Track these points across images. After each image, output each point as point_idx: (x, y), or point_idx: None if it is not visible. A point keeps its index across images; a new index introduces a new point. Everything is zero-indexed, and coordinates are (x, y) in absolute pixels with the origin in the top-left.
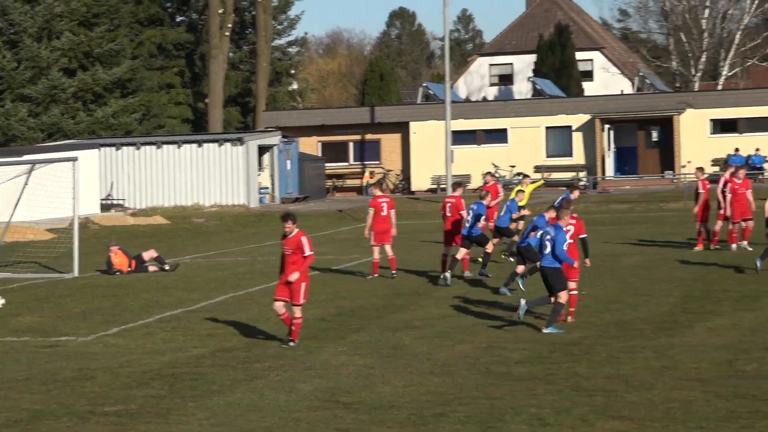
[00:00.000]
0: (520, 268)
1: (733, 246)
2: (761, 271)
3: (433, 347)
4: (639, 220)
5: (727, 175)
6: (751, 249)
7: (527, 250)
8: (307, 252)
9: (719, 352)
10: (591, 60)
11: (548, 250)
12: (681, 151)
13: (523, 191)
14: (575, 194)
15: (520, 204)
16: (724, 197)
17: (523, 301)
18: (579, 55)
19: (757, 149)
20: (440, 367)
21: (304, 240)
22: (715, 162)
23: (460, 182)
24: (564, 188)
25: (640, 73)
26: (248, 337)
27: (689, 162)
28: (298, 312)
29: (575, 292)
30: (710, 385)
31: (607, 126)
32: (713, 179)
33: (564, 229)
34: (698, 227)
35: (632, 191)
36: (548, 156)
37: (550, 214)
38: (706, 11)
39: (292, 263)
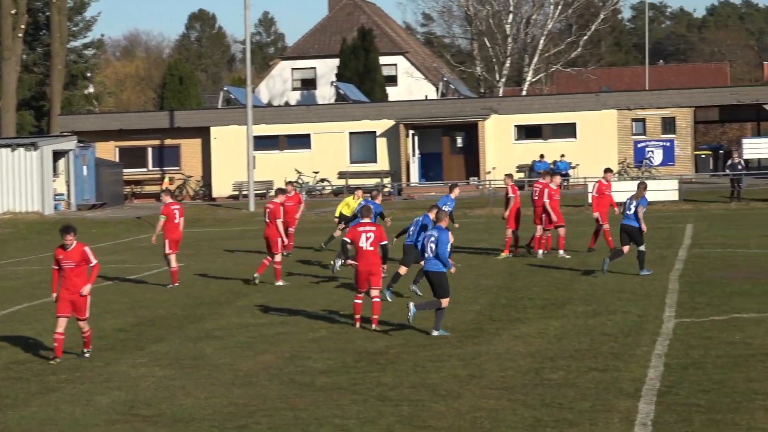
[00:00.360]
0: (403, 269)
1: (539, 253)
2: (606, 273)
3: (234, 357)
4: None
5: (545, 181)
6: (568, 257)
7: (410, 249)
8: (94, 261)
9: (525, 360)
10: (395, 65)
11: (433, 252)
12: (486, 157)
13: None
14: (455, 193)
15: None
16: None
17: (412, 305)
18: (383, 60)
19: (562, 155)
20: (242, 378)
21: (88, 250)
22: (520, 168)
23: (284, 189)
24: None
25: (445, 79)
26: (43, 348)
27: (494, 168)
28: (86, 326)
29: (378, 299)
30: (517, 394)
31: (411, 132)
32: (521, 185)
33: (445, 229)
34: (509, 233)
35: (437, 198)
36: (352, 162)
37: (433, 214)
38: (510, 16)
39: (76, 276)
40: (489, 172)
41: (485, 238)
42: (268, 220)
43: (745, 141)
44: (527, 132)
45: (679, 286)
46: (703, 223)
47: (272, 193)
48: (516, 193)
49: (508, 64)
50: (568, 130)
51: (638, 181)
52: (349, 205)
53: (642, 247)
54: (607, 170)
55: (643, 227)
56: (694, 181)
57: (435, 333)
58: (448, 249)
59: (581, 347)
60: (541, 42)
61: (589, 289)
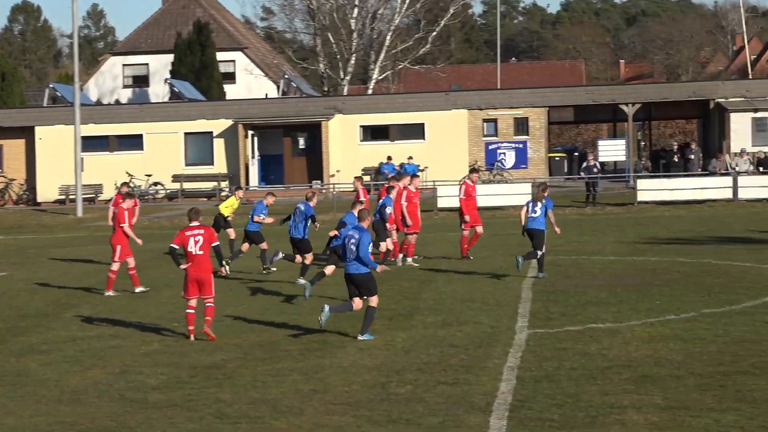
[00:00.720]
0: (329, 269)
1: (400, 258)
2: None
3: (61, 373)
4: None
5: (403, 184)
6: (416, 265)
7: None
8: None
9: (371, 374)
10: (233, 61)
11: (353, 255)
12: (330, 160)
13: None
14: (269, 200)
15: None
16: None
17: (326, 307)
18: (220, 56)
19: (410, 157)
20: (69, 395)
21: None
22: (366, 171)
23: (131, 193)
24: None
25: (286, 76)
26: None
27: (338, 171)
28: None
29: (211, 304)
30: (362, 409)
31: (251, 132)
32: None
33: (366, 230)
34: None
35: (278, 202)
36: (188, 164)
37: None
38: (355, 10)
39: None
40: (333, 175)
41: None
42: (113, 225)
43: (600, 143)
44: (373, 133)
45: (533, 295)
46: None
47: (103, 197)
48: (367, 197)
49: (353, 61)
50: (416, 131)
51: (538, 182)
52: (232, 206)
53: (540, 252)
54: (473, 170)
55: (557, 229)
56: (548, 184)
57: (360, 338)
58: (370, 249)
59: (430, 360)
60: (388, 38)
61: (438, 298)
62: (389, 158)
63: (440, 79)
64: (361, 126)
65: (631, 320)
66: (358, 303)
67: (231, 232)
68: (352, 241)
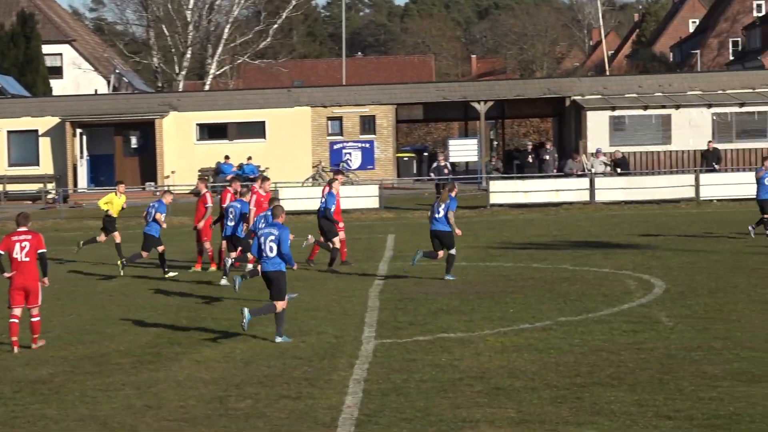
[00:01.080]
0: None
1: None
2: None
3: None
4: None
5: (257, 186)
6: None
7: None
8: None
9: (208, 388)
10: (60, 54)
11: (273, 252)
12: (164, 160)
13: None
14: (167, 199)
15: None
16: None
17: (246, 311)
18: (46, 49)
19: (249, 158)
20: None
21: None
22: (203, 172)
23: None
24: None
25: (117, 71)
26: None
27: (173, 172)
28: None
29: (37, 318)
30: (199, 426)
31: (79, 130)
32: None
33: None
34: (207, 245)
35: None
36: (11, 165)
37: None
38: (191, 1)
39: None
40: (168, 176)
41: (171, 250)
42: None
43: (451, 142)
44: (210, 131)
45: (380, 304)
46: (405, 233)
47: None
48: (212, 201)
49: (189, 55)
50: (256, 130)
51: (444, 183)
52: (112, 203)
53: (453, 251)
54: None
55: (457, 231)
56: (396, 186)
57: (278, 340)
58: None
59: (271, 372)
60: (226, 30)
61: None
62: (227, 158)
63: (282, 75)
64: (197, 124)
65: (484, 329)
66: (280, 305)
67: (116, 236)
68: (271, 238)
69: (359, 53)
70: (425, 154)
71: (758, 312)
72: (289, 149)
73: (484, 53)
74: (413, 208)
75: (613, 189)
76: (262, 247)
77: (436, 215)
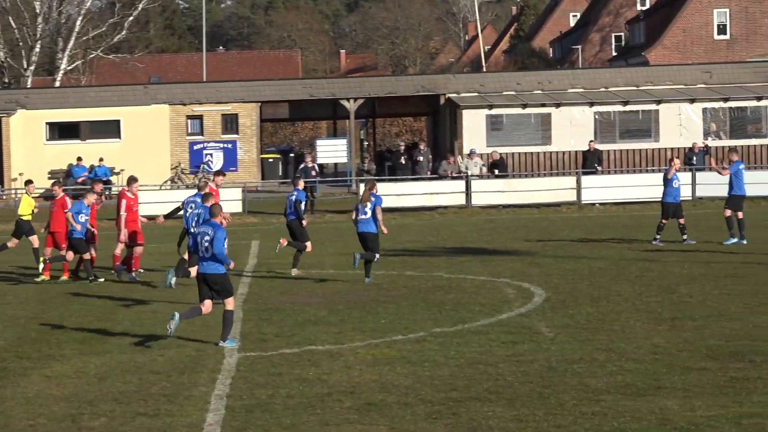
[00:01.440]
0: (194, 270)
1: (133, 274)
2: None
3: None
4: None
5: (126, 189)
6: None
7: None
8: None
9: (60, 405)
10: None
11: (208, 253)
12: (12, 162)
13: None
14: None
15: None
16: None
17: (176, 315)
18: None
19: (101, 159)
20: None
21: None
22: (54, 174)
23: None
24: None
25: None
26: None
27: (21, 174)
28: None
29: None
30: None
31: None
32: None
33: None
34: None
35: None
36: None
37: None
38: None
39: None
40: (15, 179)
41: (9, 259)
42: None
43: (319, 142)
44: (62, 131)
45: (243, 314)
46: (270, 239)
47: None
48: (67, 205)
49: (38, 49)
50: (110, 129)
51: (365, 180)
52: (30, 205)
53: (377, 256)
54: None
55: (384, 230)
56: (261, 189)
57: (223, 344)
58: (226, 246)
59: (127, 388)
60: (78, 23)
61: (137, 318)
62: (79, 159)
63: (138, 71)
64: (47, 123)
65: (354, 341)
66: (208, 306)
67: (34, 240)
68: (206, 238)
69: (221, 48)
70: (291, 155)
71: (642, 321)
72: (145, 150)
73: (353, 48)
74: (279, 213)
75: (490, 192)
76: (199, 246)
77: (362, 216)
